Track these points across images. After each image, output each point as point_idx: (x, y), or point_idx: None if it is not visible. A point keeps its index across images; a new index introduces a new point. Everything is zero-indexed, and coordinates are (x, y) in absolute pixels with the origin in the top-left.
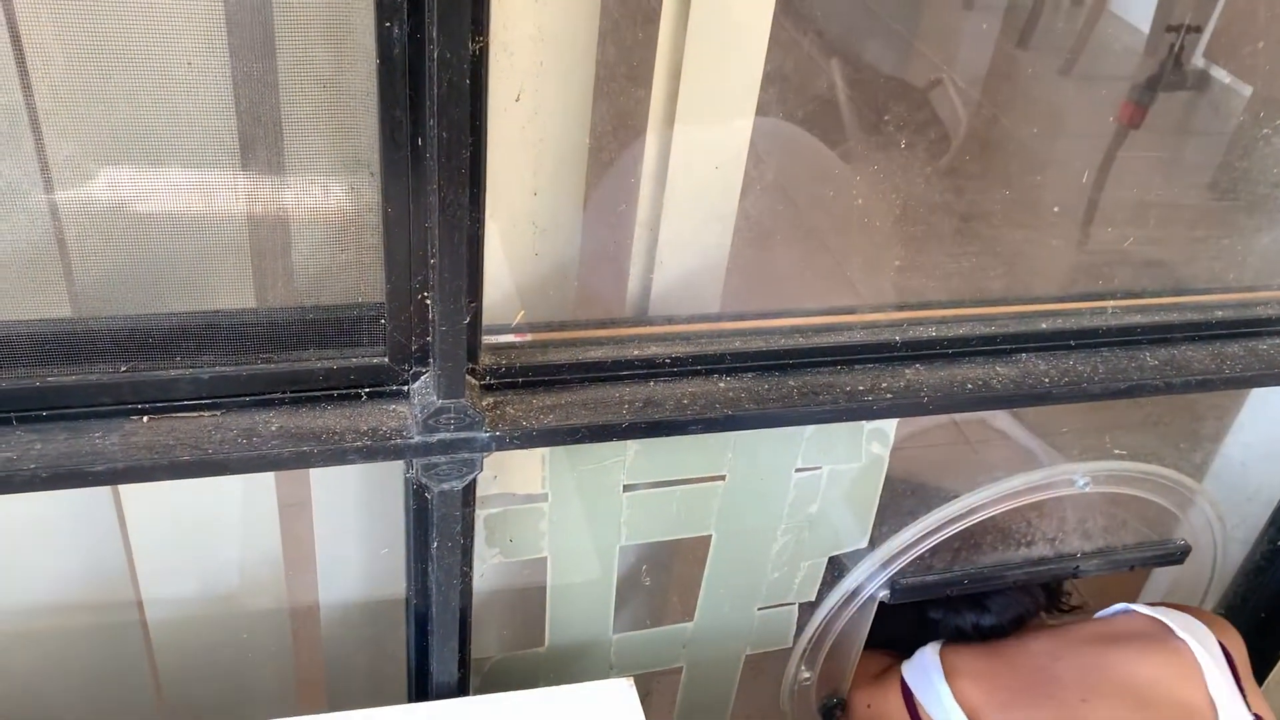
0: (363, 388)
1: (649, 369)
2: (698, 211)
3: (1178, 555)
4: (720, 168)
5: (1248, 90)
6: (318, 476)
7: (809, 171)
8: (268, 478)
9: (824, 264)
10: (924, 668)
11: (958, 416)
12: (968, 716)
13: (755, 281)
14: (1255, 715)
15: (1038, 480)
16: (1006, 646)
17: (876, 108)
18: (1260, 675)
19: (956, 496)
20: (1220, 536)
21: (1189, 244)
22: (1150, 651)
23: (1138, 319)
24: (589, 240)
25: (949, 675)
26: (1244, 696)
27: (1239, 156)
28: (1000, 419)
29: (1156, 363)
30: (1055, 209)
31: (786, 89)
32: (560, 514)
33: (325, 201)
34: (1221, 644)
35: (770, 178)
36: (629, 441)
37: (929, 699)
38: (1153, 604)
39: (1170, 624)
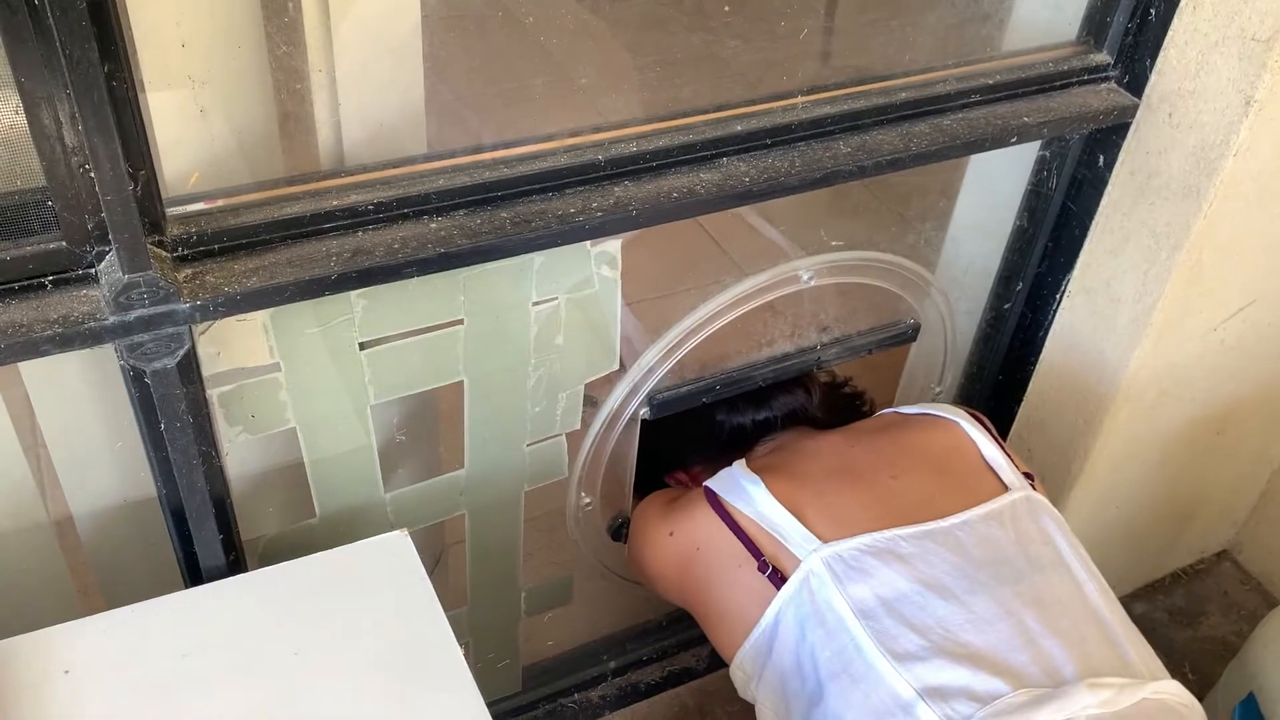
0: (45, 276)
1: (353, 218)
2: (371, 47)
3: (910, 333)
4: None
5: None
6: (35, 383)
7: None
8: None
9: (516, 92)
10: (732, 477)
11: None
12: (786, 507)
13: (452, 115)
14: (1025, 473)
15: (765, 281)
16: (803, 450)
17: None
18: (1002, 433)
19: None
20: (947, 311)
21: (868, 31)
22: (928, 430)
23: (828, 110)
24: (260, 92)
25: (761, 476)
26: (1011, 459)
27: None
28: (751, 217)
29: (849, 150)
30: (726, 9)
31: None
32: (298, 382)
33: None
34: (979, 420)
35: (453, 4)
36: (353, 298)
37: (741, 501)
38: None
39: (934, 411)
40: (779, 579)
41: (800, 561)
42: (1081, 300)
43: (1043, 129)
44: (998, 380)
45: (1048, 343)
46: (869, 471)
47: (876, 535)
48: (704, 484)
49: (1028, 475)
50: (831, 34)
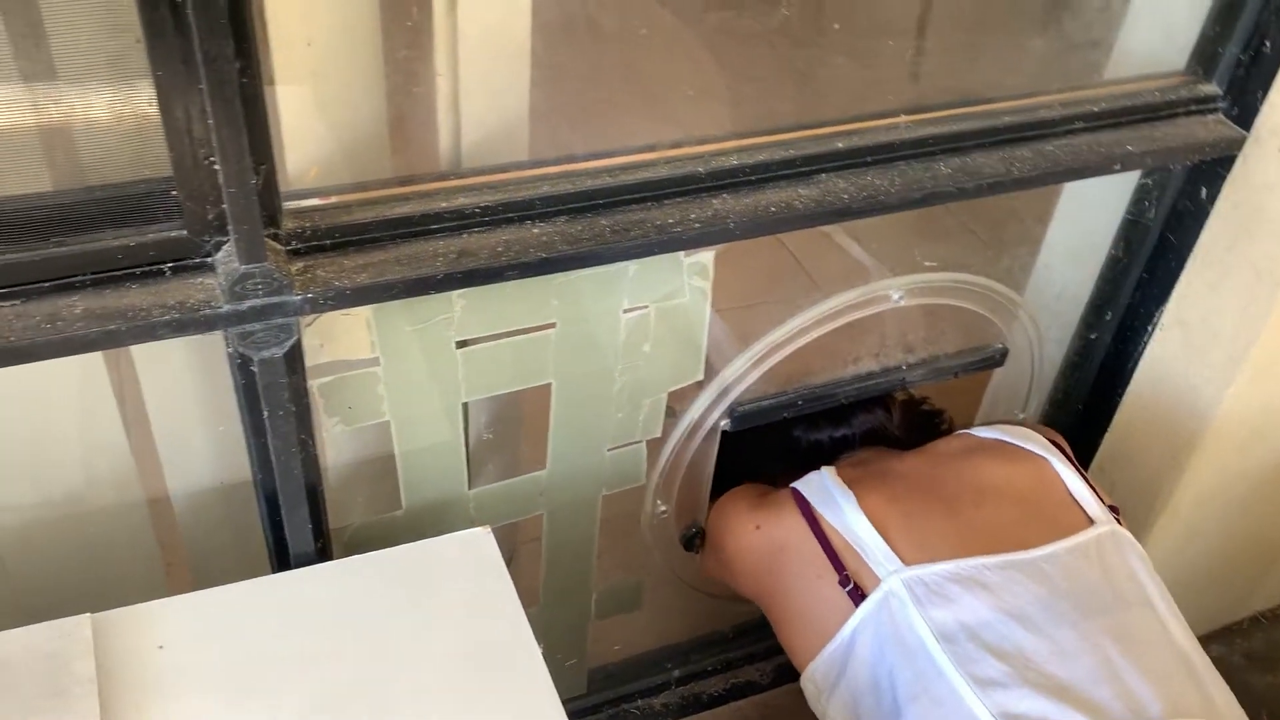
0: (165, 263)
1: (460, 220)
2: (491, 53)
3: (997, 358)
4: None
5: None
6: (145, 365)
7: (608, 7)
8: (100, 370)
9: (618, 102)
10: (822, 484)
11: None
12: (874, 525)
13: (555, 122)
14: (1110, 506)
15: (855, 298)
16: (889, 470)
17: None
18: (1084, 463)
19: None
20: (1035, 337)
21: (971, 54)
22: (1013, 462)
23: (930, 130)
24: (375, 92)
25: (853, 490)
26: (1095, 492)
27: None
28: (838, 235)
29: (950, 171)
30: (836, 26)
31: None
32: (395, 376)
33: (95, 74)
34: (1058, 446)
35: (564, 12)
36: (454, 297)
37: (831, 511)
38: (986, 424)
39: (1006, 438)
40: (858, 595)
41: (880, 581)
42: (1175, 333)
43: (1146, 158)
44: (1083, 410)
45: (1136, 375)
46: (953, 498)
47: (961, 563)
48: (791, 486)
49: (1113, 508)
50: (934, 55)
